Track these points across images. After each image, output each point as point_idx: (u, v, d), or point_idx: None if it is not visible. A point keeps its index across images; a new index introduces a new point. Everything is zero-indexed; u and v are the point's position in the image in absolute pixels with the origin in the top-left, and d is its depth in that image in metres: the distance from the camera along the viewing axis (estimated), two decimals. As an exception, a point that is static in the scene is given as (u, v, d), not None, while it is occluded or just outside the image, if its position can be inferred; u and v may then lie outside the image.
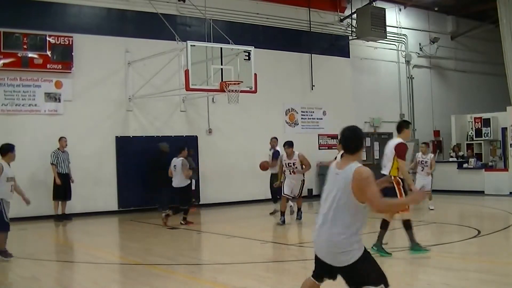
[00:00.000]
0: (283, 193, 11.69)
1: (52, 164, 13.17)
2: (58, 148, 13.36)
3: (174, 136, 15.56)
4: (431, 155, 13.30)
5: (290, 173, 11.50)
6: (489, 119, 19.37)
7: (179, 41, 13.48)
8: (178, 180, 11.93)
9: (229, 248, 9.50)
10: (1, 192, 8.05)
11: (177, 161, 11.98)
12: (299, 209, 12.12)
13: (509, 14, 18.18)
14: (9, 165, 8.26)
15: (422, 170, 13.04)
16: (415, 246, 7.74)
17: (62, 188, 13.25)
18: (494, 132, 19.29)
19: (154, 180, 14.38)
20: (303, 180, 11.83)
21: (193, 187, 15.28)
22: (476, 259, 7.71)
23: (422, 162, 13.04)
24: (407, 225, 7.75)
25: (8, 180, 8.14)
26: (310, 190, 17.58)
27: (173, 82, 15.10)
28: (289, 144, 11.50)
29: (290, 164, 11.46)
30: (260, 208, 15.49)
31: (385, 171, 7.68)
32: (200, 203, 15.70)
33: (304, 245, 9.05)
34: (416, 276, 6.82)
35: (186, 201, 12.06)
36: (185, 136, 15.85)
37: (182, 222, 11.92)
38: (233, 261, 7.90)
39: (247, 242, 9.91)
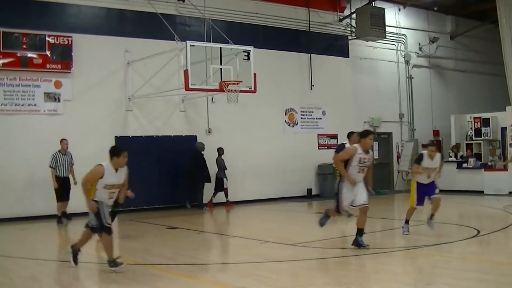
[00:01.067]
0: (343, 206, 8.60)
1: (50, 167, 12.82)
2: (59, 151, 12.96)
3: (174, 136, 15.57)
4: None
5: (359, 172, 8.52)
6: (488, 119, 19.38)
7: (179, 41, 13.49)
8: None
9: (229, 248, 9.50)
10: (99, 196, 7.31)
11: None
12: (362, 230, 8.40)
13: (509, 14, 18.19)
14: (116, 170, 7.27)
15: None
16: None
17: (61, 191, 12.98)
18: (494, 132, 19.31)
19: (189, 178, 15.18)
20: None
21: (225, 185, 15.76)
22: (476, 259, 7.71)
23: None
24: None
25: (106, 187, 7.24)
26: (309, 190, 17.56)
27: (173, 82, 15.11)
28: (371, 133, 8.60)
29: (364, 161, 8.48)
30: (259, 208, 15.50)
31: None
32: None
33: (304, 245, 9.04)
34: (416, 276, 6.81)
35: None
36: (185, 136, 15.85)
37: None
38: (233, 261, 7.90)
39: (247, 242, 9.90)
